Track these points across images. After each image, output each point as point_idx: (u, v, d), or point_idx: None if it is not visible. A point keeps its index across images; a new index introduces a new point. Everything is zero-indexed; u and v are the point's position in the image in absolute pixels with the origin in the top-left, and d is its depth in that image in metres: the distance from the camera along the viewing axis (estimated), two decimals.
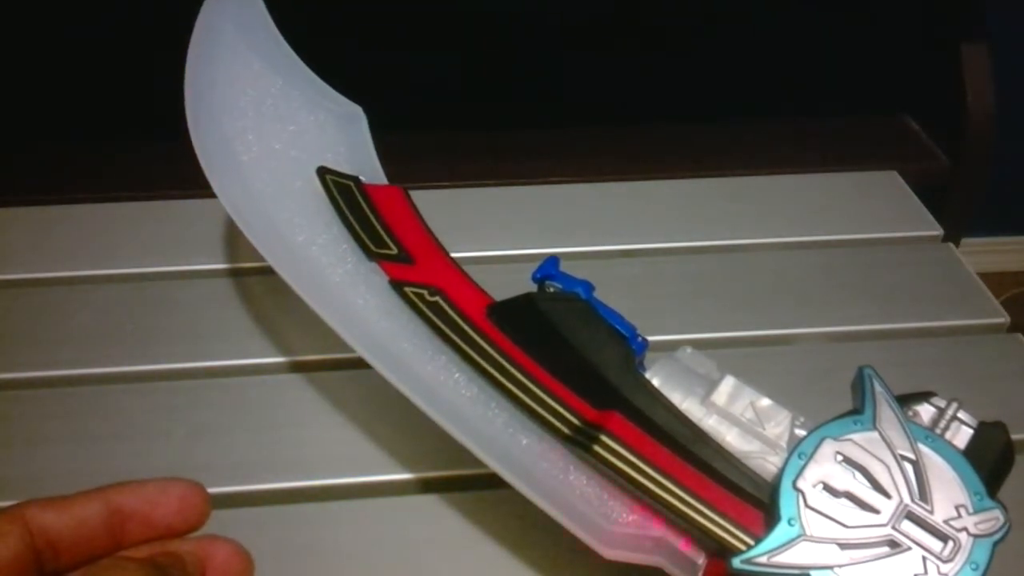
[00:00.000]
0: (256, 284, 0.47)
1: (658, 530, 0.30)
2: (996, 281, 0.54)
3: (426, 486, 0.38)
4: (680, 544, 0.30)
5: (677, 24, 0.65)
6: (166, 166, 0.55)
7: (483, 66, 0.64)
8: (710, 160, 0.59)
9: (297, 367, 0.42)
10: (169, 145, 0.50)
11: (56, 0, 0.58)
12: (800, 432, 0.31)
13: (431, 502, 0.37)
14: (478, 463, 0.37)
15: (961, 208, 0.63)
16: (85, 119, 0.62)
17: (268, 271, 0.48)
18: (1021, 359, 0.44)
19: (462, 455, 0.38)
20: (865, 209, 0.53)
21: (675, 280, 0.48)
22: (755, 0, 0.64)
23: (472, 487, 0.37)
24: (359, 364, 0.42)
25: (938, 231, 0.52)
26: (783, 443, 0.31)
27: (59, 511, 0.24)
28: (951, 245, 0.51)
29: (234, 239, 0.49)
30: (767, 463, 0.30)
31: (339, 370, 0.42)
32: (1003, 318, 0.46)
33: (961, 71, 0.61)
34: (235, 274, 0.47)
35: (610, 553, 0.30)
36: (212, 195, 0.51)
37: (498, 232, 0.49)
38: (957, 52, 0.61)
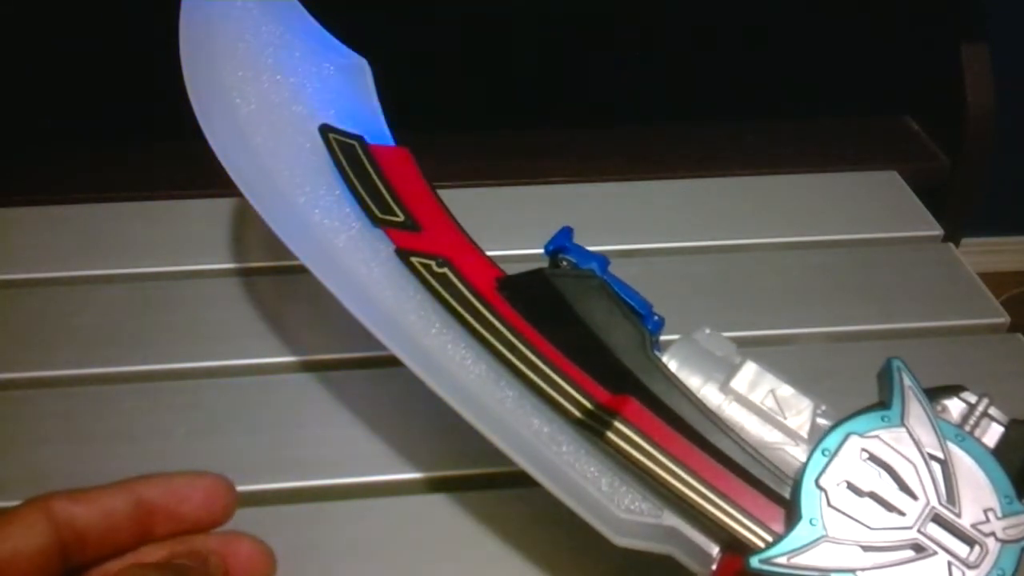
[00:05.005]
0: (257, 284, 0.47)
1: (671, 520, 0.29)
2: (996, 281, 0.54)
3: (428, 486, 0.38)
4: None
5: (677, 24, 0.65)
6: (166, 166, 0.55)
7: (483, 66, 0.64)
8: (710, 160, 0.59)
9: (297, 367, 0.42)
10: (169, 145, 0.51)
11: (55, 0, 0.58)
12: (822, 422, 0.30)
13: (433, 502, 0.37)
14: (480, 463, 0.37)
15: (961, 208, 0.63)
16: (85, 119, 0.62)
17: (269, 271, 0.48)
18: (1021, 359, 0.44)
19: (464, 455, 0.38)
20: (865, 209, 0.53)
21: (675, 280, 0.48)
22: (755, 0, 0.64)
23: (473, 487, 0.37)
24: (359, 364, 0.42)
25: (938, 231, 0.52)
26: (804, 433, 0.30)
27: (87, 504, 0.24)
28: (951, 245, 0.51)
29: (234, 239, 0.49)
30: (787, 455, 0.30)
31: (340, 370, 0.42)
32: (1003, 318, 0.46)
33: (961, 71, 0.61)
34: (235, 274, 0.47)
35: (621, 541, 0.29)
36: (212, 195, 0.51)
37: (498, 232, 0.49)
38: (957, 52, 0.61)
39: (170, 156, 0.53)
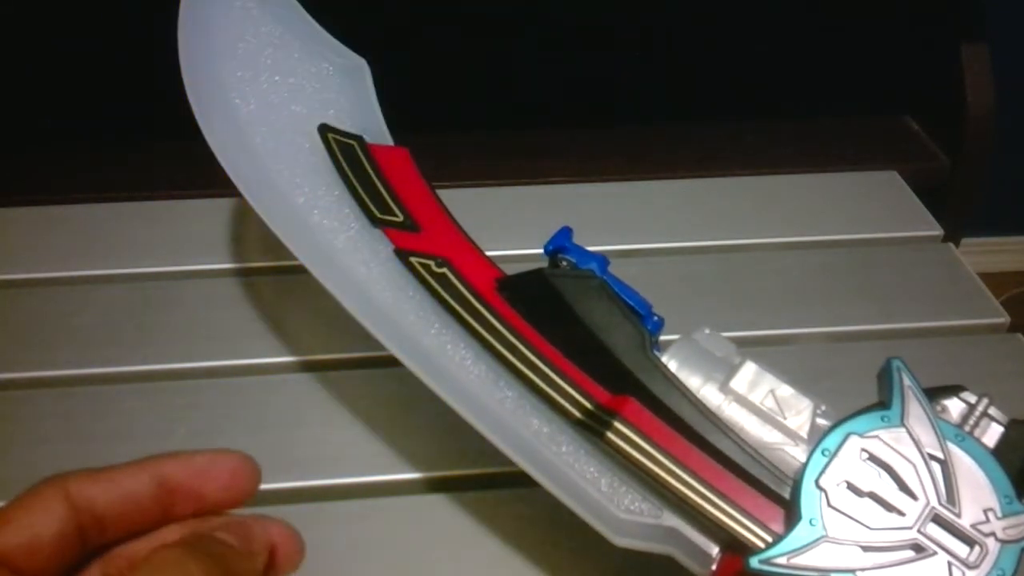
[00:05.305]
0: (257, 284, 0.47)
1: (671, 520, 0.29)
2: (996, 281, 0.54)
3: (428, 486, 0.38)
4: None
5: (678, 23, 0.65)
6: (166, 166, 0.55)
7: (483, 66, 0.64)
8: (710, 160, 0.59)
9: (297, 367, 0.42)
10: (169, 145, 0.51)
11: (55, 0, 0.58)
12: (822, 422, 0.30)
13: (433, 502, 0.37)
14: (480, 463, 0.37)
15: (961, 208, 0.63)
16: (85, 119, 0.62)
17: (269, 271, 0.48)
18: (1021, 359, 0.44)
19: (464, 455, 0.38)
20: (865, 209, 0.53)
21: (675, 280, 0.48)
22: (755, 0, 0.64)
23: (473, 487, 0.37)
24: (359, 364, 0.42)
25: (938, 231, 0.52)
26: (804, 434, 0.30)
27: (107, 485, 0.23)
28: (951, 245, 0.51)
29: (234, 239, 0.49)
30: (787, 455, 0.30)
31: (340, 370, 0.42)
32: (1003, 318, 0.46)
33: (961, 71, 0.61)
34: (235, 274, 0.47)
35: (621, 541, 0.29)
36: (212, 195, 0.51)
37: (498, 232, 0.49)
38: (957, 52, 0.61)
39: (170, 156, 0.53)
